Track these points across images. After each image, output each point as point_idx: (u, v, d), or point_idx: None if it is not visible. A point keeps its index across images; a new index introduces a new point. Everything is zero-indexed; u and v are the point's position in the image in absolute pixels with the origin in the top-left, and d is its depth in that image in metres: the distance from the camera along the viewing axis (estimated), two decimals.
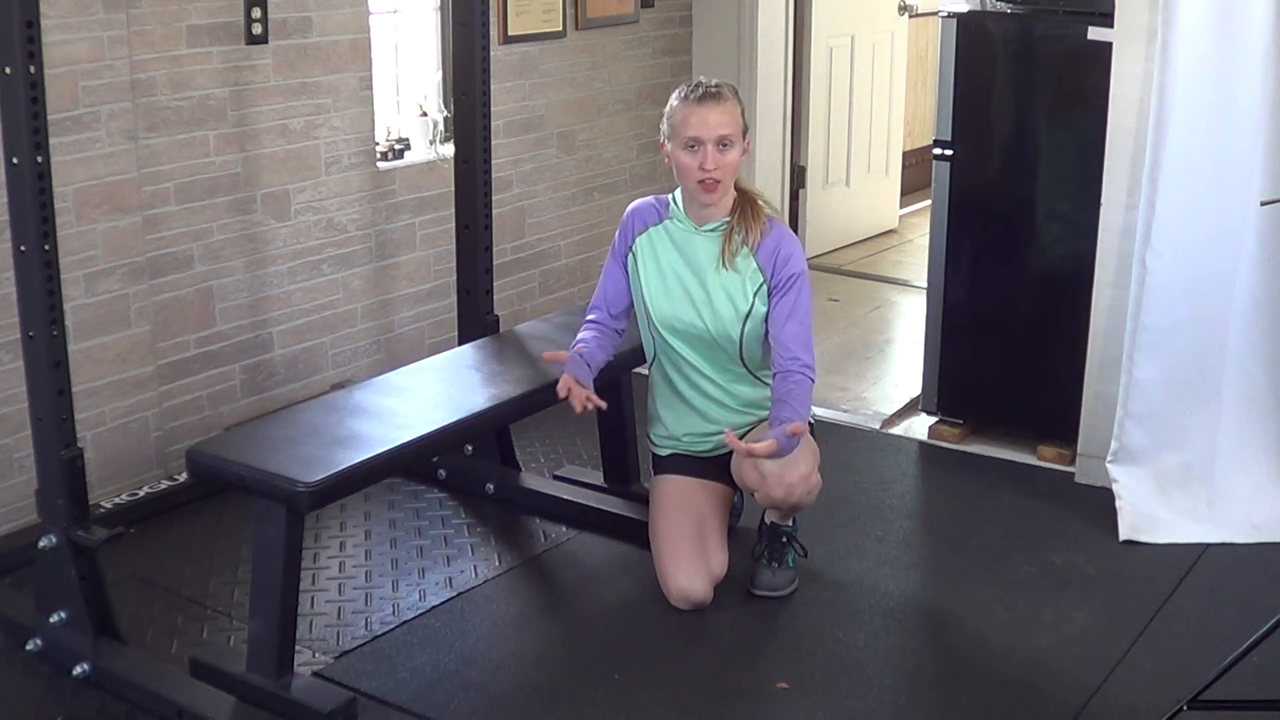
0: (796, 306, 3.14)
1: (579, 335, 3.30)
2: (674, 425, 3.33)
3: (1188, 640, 3.06)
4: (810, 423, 3.30)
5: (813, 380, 3.13)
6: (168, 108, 3.74)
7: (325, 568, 3.41)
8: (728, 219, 3.18)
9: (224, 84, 3.87)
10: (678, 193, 3.24)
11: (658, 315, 3.23)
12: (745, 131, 3.17)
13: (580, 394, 3.09)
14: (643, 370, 3.79)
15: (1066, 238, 3.93)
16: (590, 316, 3.34)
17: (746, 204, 3.19)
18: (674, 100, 3.17)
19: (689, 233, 3.21)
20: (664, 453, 3.38)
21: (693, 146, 3.10)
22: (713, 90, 3.12)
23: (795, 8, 5.94)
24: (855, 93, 6.42)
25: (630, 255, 3.27)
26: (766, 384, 3.24)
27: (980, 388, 4.21)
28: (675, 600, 3.17)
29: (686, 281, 3.20)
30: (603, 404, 3.14)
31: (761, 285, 3.15)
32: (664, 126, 3.18)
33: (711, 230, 3.19)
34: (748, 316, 3.16)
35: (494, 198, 3.96)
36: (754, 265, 3.16)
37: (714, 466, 3.32)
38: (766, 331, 3.18)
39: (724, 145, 3.09)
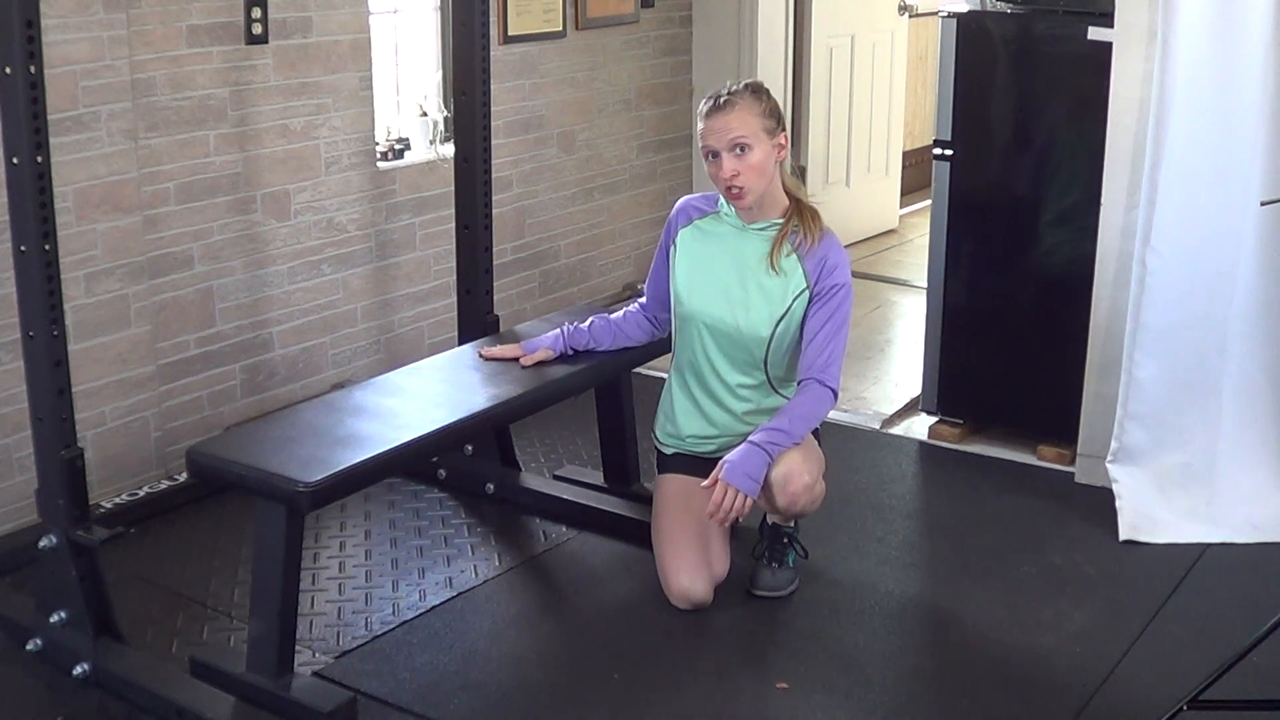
0: (832, 318, 3.12)
1: (608, 315, 3.46)
2: (681, 424, 3.32)
3: (1188, 640, 3.06)
4: (815, 429, 3.31)
5: (830, 391, 3.11)
6: (168, 108, 3.74)
7: (325, 568, 3.41)
8: (779, 220, 3.17)
9: (224, 84, 3.87)
10: None
11: (691, 308, 3.23)
12: (775, 129, 3.12)
13: (504, 351, 3.38)
14: (643, 370, 3.80)
15: (1066, 238, 3.93)
16: (638, 302, 3.47)
17: (804, 209, 3.19)
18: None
19: (737, 230, 3.21)
20: (669, 451, 3.38)
21: (712, 157, 3.11)
22: (723, 99, 3.11)
23: (795, 8, 5.95)
24: (855, 93, 6.42)
25: (672, 247, 3.29)
26: (782, 398, 3.25)
27: (980, 388, 4.21)
28: (676, 600, 3.17)
29: (725, 278, 3.20)
30: (518, 359, 3.36)
31: (803, 291, 3.14)
32: None
33: (760, 230, 3.18)
34: (781, 319, 3.15)
35: (494, 198, 3.97)
36: (800, 270, 3.14)
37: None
38: (798, 341, 3.18)
39: (740, 149, 3.08)
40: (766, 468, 3.02)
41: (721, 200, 3.25)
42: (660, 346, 3.47)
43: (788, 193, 3.20)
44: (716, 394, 3.26)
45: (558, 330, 3.42)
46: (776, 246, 3.15)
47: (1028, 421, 4.14)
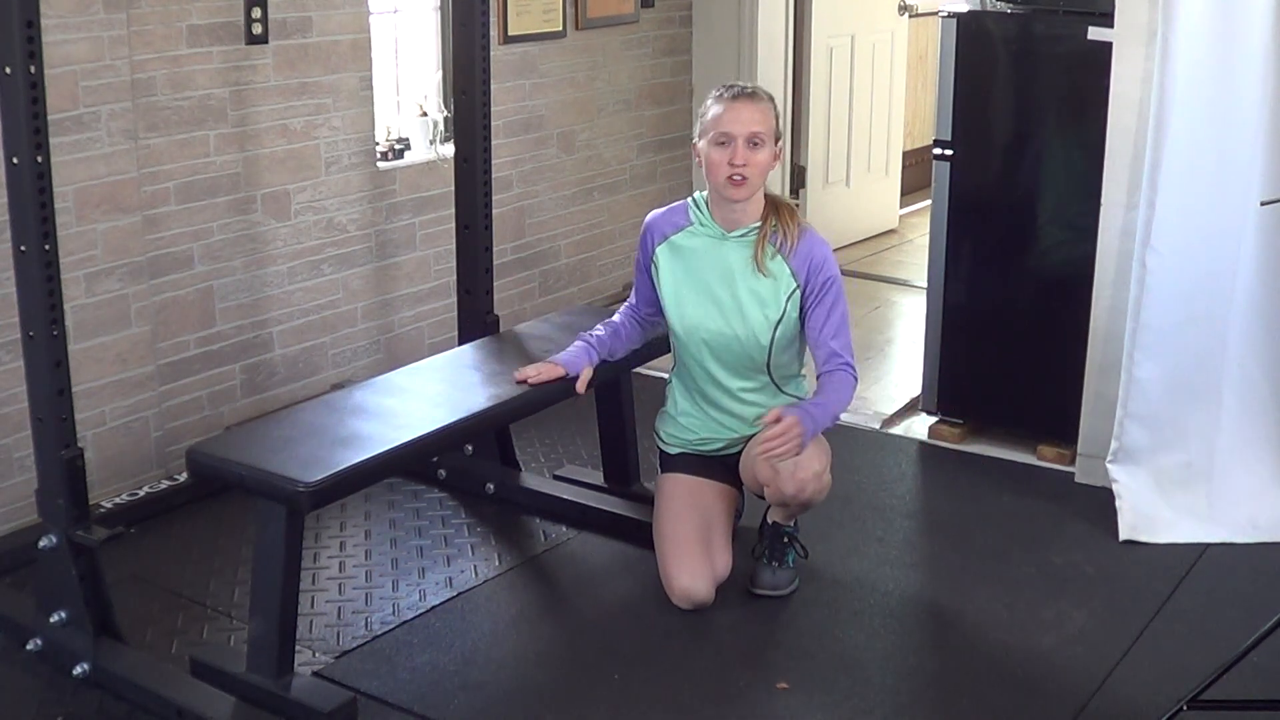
0: (834, 310, 3.15)
1: (599, 324, 3.36)
2: (692, 428, 3.32)
3: (1188, 640, 3.06)
4: None
5: (854, 378, 3.16)
6: (168, 108, 3.74)
7: (325, 568, 3.41)
8: (758, 224, 3.17)
9: (224, 84, 3.87)
10: (699, 196, 3.24)
11: (684, 325, 3.22)
12: (778, 138, 3.16)
13: (546, 372, 3.19)
14: (643, 370, 3.80)
15: (1066, 238, 3.93)
16: (629, 305, 3.40)
17: (781, 209, 3.20)
18: (708, 99, 3.17)
19: (716, 239, 3.20)
20: (672, 450, 3.37)
21: (723, 143, 3.10)
22: (748, 90, 3.14)
23: (795, 8, 5.95)
24: (855, 93, 6.42)
25: (653, 265, 3.27)
26: (788, 395, 3.26)
27: (980, 388, 4.21)
28: (678, 600, 3.17)
29: (715, 290, 3.19)
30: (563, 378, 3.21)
31: (795, 290, 3.15)
32: (696, 126, 3.19)
33: (740, 236, 3.18)
34: (779, 322, 3.16)
35: (494, 198, 3.96)
36: (787, 270, 3.15)
37: (722, 466, 3.32)
38: (799, 339, 3.21)
39: (755, 143, 3.09)
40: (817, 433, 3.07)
41: (694, 212, 3.23)
42: (660, 346, 3.47)
43: (764, 194, 3.21)
44: (725, 405, 3.27)
45: (583, 343, 3.30)
46: (759, 249, 3.15)
47: (1028, 421, 4.14)
